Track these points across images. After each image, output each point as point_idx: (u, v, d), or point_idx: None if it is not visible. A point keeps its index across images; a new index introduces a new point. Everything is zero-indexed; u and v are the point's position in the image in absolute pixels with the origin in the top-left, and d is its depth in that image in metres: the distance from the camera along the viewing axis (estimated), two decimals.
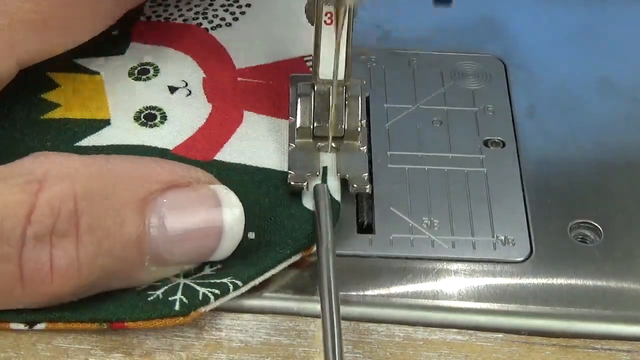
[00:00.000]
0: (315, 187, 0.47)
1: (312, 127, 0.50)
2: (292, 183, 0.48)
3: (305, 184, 0.48)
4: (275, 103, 0.53)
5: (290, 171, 0.49)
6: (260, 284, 0.46)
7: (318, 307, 0.45)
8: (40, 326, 0.44)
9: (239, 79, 0.54)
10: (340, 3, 0.45)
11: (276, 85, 0.53)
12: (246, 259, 0.46)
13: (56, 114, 0.52)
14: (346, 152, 0.50)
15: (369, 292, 0.47)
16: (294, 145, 0.50)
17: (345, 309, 0.46)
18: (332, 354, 0.41)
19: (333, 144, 0.50)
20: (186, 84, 0.53)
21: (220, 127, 0.51)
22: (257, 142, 0.51)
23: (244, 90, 0.53)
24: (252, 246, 0.47)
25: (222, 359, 0.44)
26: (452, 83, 0.56)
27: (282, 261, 0.46)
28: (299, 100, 0.50)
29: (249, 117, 0.52)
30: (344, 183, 0.49)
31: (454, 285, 0.47)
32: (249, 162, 0.50)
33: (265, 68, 0.55)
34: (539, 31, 0.59)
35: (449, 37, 0.58)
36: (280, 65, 0.54)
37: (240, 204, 0.44)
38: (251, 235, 0.47)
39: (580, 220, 0.50)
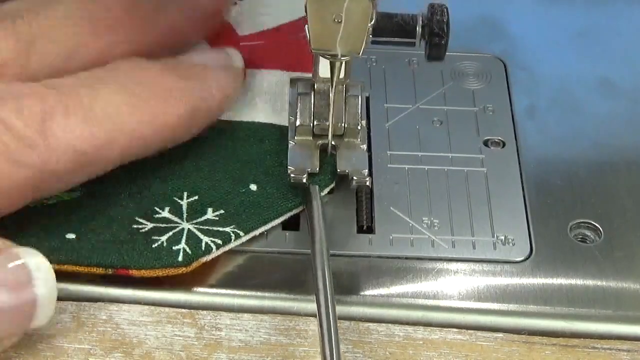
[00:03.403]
0: (307, 189, 0.48)
1: (312, 125, 0.50)
2: (293, 176, 0.48)
3: (305, 176, 0.48)
4: (277, 58, 0.54)
5: (290, 166, 0.49)
6: (260, 284, 0.46)
7: None
8: None
9: (241, 43, 0.55)
10: (335, 57, 0.47)
11: (278, 44, 0.54)
12: (248, 208, 0.48)
13: None
14: (346, 149, 0.50)
15: (369, 292, 0.47)
16: (293, 143, 0.50)
17: (345, 309, 0.46)
18: (330, 352, 0.42)
19: (333, 142, 0.50)
20: None
21: None
22: (260, 99, 0.52)
23: (246, 52, 0.54)
24: (254, 197, 0.48)
25: (222, 359, 0.44)
26: (452, 83, 0.56)
27: (283, 214, 0.48)
28: (298, 98, 0.50)
29: (252, 74, 0.53)
30: (344, 179, 0.49)
31: (454, 285, 0.47)
32: (251, 119, 0.51)
33: (267, 33, 0.56)
34: (539, 31, 0.59)
35: (449, 37, 0.58)
36: (281, 28, 0.55)
37: (50, 267, 0.42)
38: (253, 187, 0.49)
39: (580, 220, 0.50)
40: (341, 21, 0.45)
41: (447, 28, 0.48)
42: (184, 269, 0.45)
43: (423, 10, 0.49)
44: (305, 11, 0.45)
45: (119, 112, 0.46)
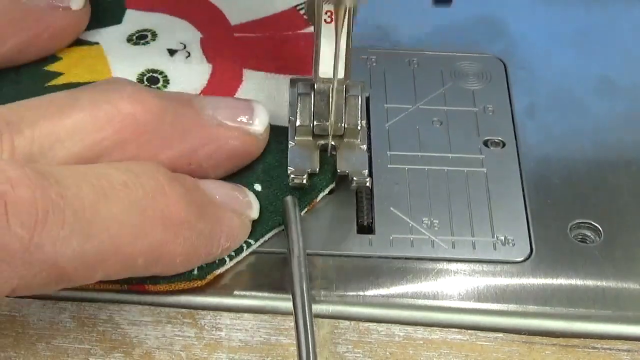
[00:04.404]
0: (284, 200, 0.48)
1: (312, 125, 0.50)
2: (292, 176, 0.48)
3: (305, 176, 0.48)
4: (272, 57, 0.54)
5: (290, 167, 0.49)
6: (260, 284, 0.46)
7: (319, 307, 0.45)
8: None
9: (235, 34, 0.55)
10: (340, 3, 0.45)
11: (271, 38, 0.54)
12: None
13: (59, 80, 0.53)
14: (346, 150, 0.50)
15: (369, 292, 0.47)
16: (293, 143, 0.50)
17: (345, 309, 0.46)
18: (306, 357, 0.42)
19: (333, 142, 0.50)
20: (185, 46, 0.55)
21: (221, 88, 0.52)
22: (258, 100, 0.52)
23: (241, 46, 0.55)
24: (260, 200, 0.48)
25: (222, 359, 0.44)
26: (452, 83, 0.56)
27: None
28: (298, 98, 0.50)
29: (248, 75, 0.53)
30: (344, 179, 0.49)
31: (454, 285, 0.47)
32: None
33: (259, 22, 0.56)
34: (539, 31, 0.59)
35: (449, 37, 0.58)
36: (272, 18, 0.56)
37: None
38: (258, 187, 0.49)
39: (580, 220, 0.49)
40: None
41: None
42: (199, 282, 0.45)
43: None
44: None
45: (120, 233, 0.41)
